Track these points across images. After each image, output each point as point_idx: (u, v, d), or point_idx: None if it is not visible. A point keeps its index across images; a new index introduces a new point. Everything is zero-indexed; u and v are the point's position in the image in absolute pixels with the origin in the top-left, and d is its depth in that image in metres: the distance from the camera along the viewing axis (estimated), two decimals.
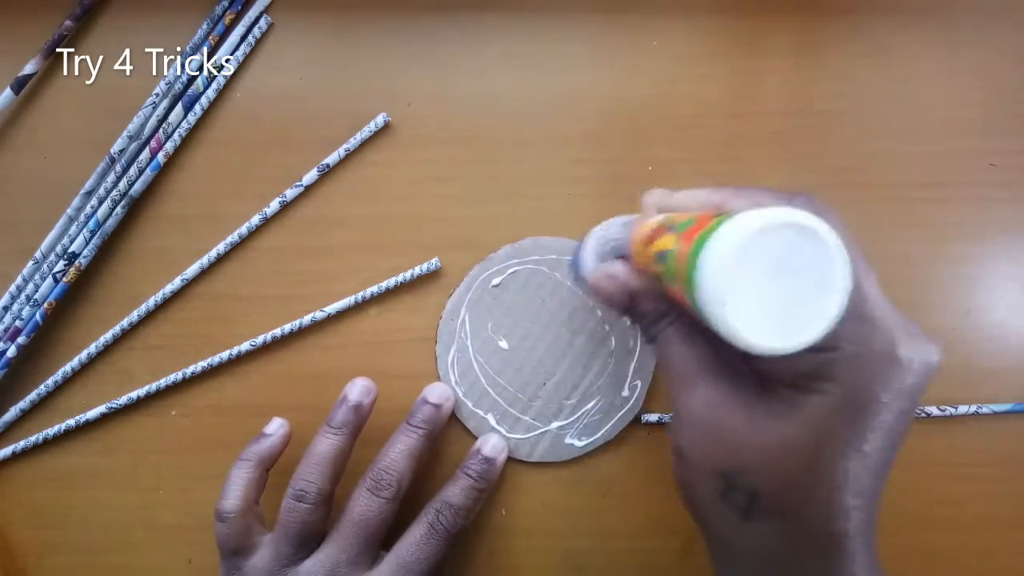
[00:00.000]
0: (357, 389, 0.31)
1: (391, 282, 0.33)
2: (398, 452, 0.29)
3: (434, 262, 0.33)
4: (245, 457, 0.30)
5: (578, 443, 0.33)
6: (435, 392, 0.31)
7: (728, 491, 0.21)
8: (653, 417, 0.33)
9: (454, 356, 0.33)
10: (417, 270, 0.33)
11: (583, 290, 0.32)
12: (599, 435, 0.33)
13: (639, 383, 0.33)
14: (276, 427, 0.31)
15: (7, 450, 0.33)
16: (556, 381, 0.33)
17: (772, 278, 0.17)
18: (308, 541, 0.28)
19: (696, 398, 0.21)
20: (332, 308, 0.33)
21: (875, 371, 0.19)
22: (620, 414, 0.33)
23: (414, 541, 0.28)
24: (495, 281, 0.33)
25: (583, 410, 0.33)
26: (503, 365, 0.33)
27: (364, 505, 0.28)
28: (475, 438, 0.33)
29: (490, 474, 0.31)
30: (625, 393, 0.33)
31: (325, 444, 0.29)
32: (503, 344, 0.33)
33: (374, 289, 0.33)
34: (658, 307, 0.23)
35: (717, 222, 0.17)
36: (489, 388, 0.33)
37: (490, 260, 0.33)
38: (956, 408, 0.33)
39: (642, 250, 0.22)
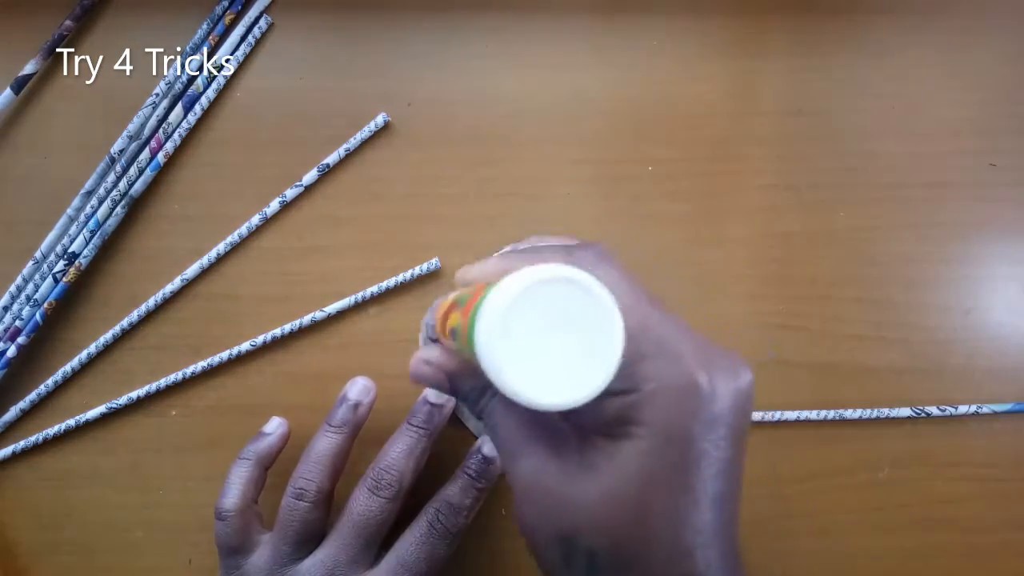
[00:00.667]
0: (357, 388, 0.31)
1: (391, 282, 0.33)
2: (398, 452, 0.29)
3: (434, 262, 0.33)
4: (244, 456, 0.30)
5: None
6: (436, 392, 0.31)
7: (569, 555, 0.20)
8: None
9: None
10: (417, 270, 0.33)
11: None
12: None
13: None
14: (275, 426, 0.31)
15: (7, 450, 0.33)
16: None
17: (548, 334, 0.17)
18: (307, 540, 0.28)
19: (522, 467, 0.21)
20: (332, 308, 0.33)
21: (679, 404, 0.18)
22: None
23: (414, 540, 0.28)
24: None
25: None
26: None
27: (364, 505, 0.28)
28: (476, 438, 0.33)
29: (490, 473, 0.31)
30: None
31: (325, 443, 0.29)
32: None
33: (374, 289, 0.33)
34: (476, 384, 0.22)
35: (487, 291, 0.17)
36: None
37: None
38: (956, 408, 0.33)
39: (442, 330, 0.22)
